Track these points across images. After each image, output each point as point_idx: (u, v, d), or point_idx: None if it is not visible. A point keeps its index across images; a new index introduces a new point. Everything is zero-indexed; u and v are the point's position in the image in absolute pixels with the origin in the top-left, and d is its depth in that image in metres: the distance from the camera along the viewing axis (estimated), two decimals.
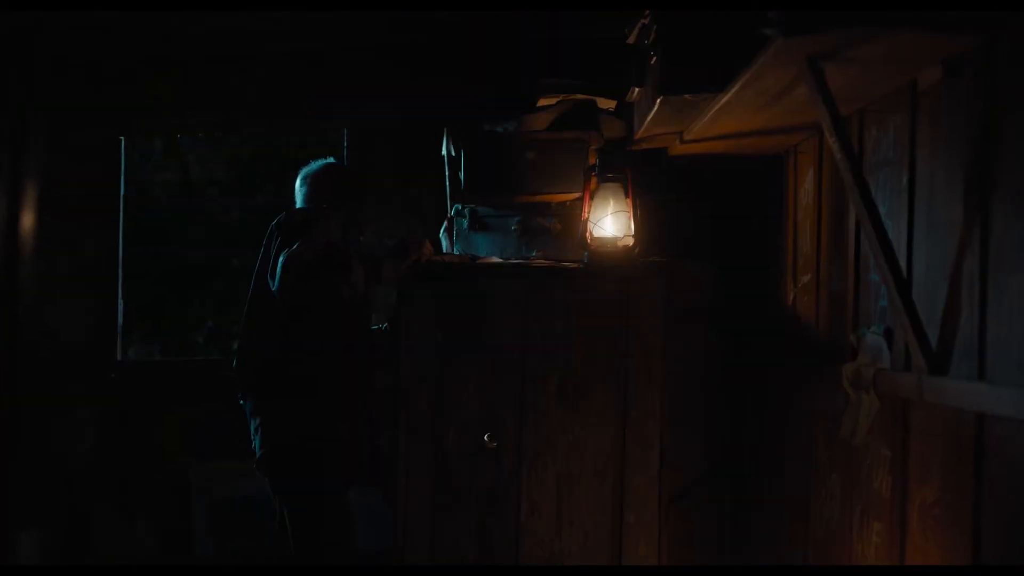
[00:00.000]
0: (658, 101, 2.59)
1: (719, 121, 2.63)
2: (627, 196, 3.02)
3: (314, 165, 3.31)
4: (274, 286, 2.94)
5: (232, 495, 3.94)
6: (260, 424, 3.08)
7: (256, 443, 3.09)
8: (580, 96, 3.33)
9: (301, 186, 3.28)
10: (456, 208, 3.44)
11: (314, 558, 3.03)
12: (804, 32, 1.80)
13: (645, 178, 3.16)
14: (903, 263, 2.04)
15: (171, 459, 4.09)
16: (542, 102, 3.34)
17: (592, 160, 3.16)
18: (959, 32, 1.77)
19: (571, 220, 3.22)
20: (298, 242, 2.93)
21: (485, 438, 2.89)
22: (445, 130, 3.38)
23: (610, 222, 3.01)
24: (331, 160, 3.37)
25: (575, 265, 3.03)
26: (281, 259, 2.92)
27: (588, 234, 3.00)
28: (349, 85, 4.13)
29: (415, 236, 3.17)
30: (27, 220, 4.13)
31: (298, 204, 3.29)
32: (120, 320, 4.21)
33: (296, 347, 3.04)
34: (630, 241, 3.00)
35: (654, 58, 2.62)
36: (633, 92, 2.97)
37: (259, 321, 3.12)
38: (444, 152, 3.40)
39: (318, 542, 3.03)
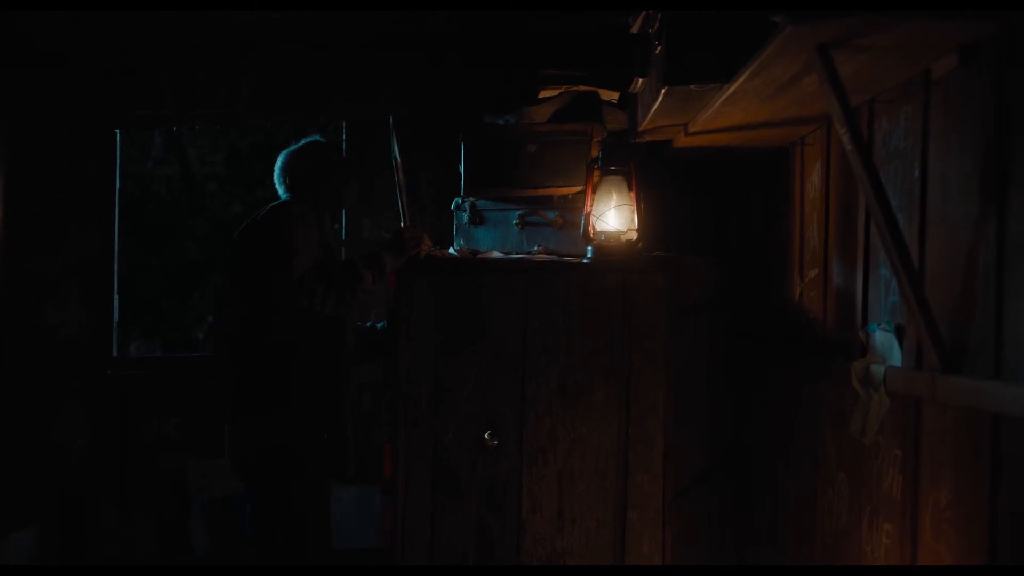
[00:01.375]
0: (662, 92, 2.53)
1: (724, 112, 2.58)
2: (630, 189, 2.97)
3: (292, 146, 3.25)
4: (286, 312, 2.93)
5: (230, 493, 3.90)
6: (230, 434, 3.08)
7: (226, 451, 3.11)
8: (582, 87, 3.27)
9: (277, 169, 3.23)
10: (456, 201, 3.38)
11: (272, 560, 3.05)
12: (814, 19, 1.74)
13: (648, 171, 3.11)
14: (915, 257, 1.98)
15: (169, 456, 4.06)
16: (543, 94, 3.29)
17: (594, 153, 3.11)
18: (975, 18, 1.71)
19: (573, 214, 3.17)
20: (290, 259, 2.90)
21: (485, 435, 2.84)
22: (392, 130, 3.21)
23: (613, 216, 2.96)
24: (312, 139, 3.30)
25: (577, 260, 2.98)
26: (282, 282, 2.90)
27: (591, 228, 2.95)
28: (348, 78, 4.10)
29: (413, 229, 3.11)
30: (21, 215, 4.09)
31: (276, 185, 3.23)
32: (116, 316, 4.17)
33: (277, 347, 3.01)
34: (633, 235, 2.95)
35: (658, 47, 2.56)
36: (636, 83, 2.91)
37: (236, 329, 3.09)
38: (393, 155, 3.20)
39: (277, 545, 3.05)
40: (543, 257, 3.10)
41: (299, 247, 2.96)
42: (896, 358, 2.11)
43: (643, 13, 2.72)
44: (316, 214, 3.15)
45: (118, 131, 4.18)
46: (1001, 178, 1.71)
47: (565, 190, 3.20)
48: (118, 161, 4.17)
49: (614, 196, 2.97)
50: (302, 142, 3.26)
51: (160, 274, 7.51)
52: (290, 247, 2.95)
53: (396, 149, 3.16)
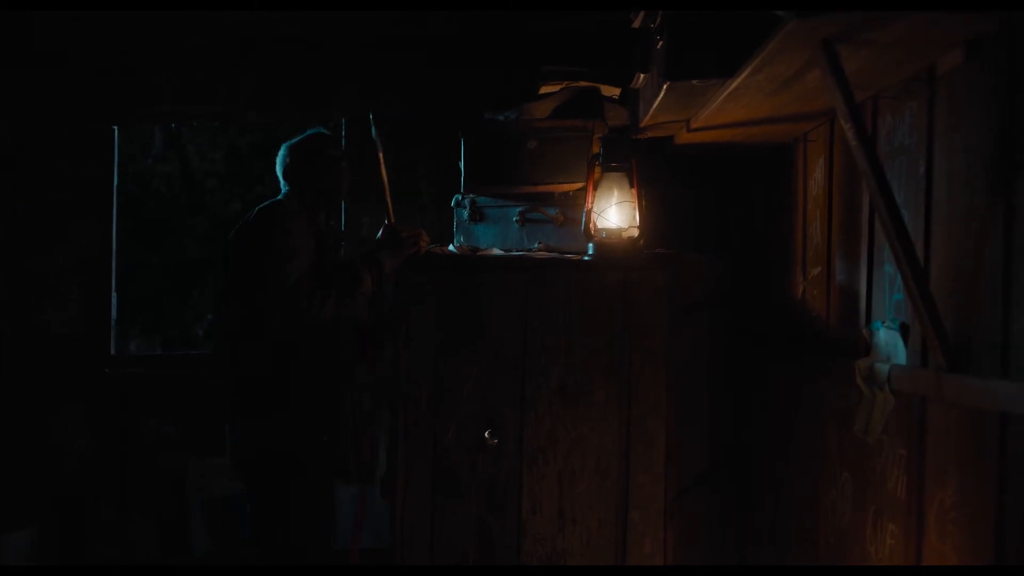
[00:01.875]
0: (664, 87, 2.51)
1: (727, 108, 2.55)
2: (632, 186, 2.94)
3: (293, 139, 3.22)
4: (284, 315, 2.91)
5: (230, 492, 3.88)
6: (230, 434, 3.07)
7: (227, 451, 3.08)
8: (583, 83, 3.25)
9: (277, 162, 3.21)
10: (456, 198, 3.36)
11: (272, 560, 3.02)
12: (819, 13, 1.71)
13: (650, 167, 3.09)
14: (920, 254, 1.96)
15: (168, 456, 4.04)
16: (544, 89, 3.26)
17: (595, 149, 3.08)
18: (982, 11, 1.68)
19: (574, 211, 3.14)
20: (285, 262, 2.87)
21: (485, 435, 2.82)
22: (372, 124, 3.15)
23: (614, 212, 2.94)
24: (313, 132, 3.26)
25: (578, 257, 2.96)
26: (278, 287, 2.87)
27: (592, 225, 2.92)
28: (348, 77, 4.08)
29: (408, 225, 3.08)
30: (21, 215, 4.07)
31: (279, 178, 3.21)
32: (114, 313, 4.15)
33: (277, 347, 2.99)
34: (635, 232, 2.92)
35: (660, 42, 2.53)
36: (638, 78, 2.89)
37: (236, 329, 3.06)
38: (375, 149, 3.13)
39: (277, 545, 3.03)
40: (543, 254, 3.08)
41: (295, 249, 2.94)
42: (901, 356, 2.08)
43: (645, 7, 2.69)
44: (312, 210, 3.12)
45: (116, 128, 4.16)
46: (1008, 174, 1.69)
47: (566, 187, 3.18)
48: (116, 159, 4.16)
49: (615, 193, 2.94)
50: (302, 135, 3.23)
51: (160, 272, 7.49)
52: (285, 250, 2.93)
53: (377, 142, 3.12)
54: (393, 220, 3.12)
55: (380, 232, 3.12)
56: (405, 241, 2.99)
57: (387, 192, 3.14)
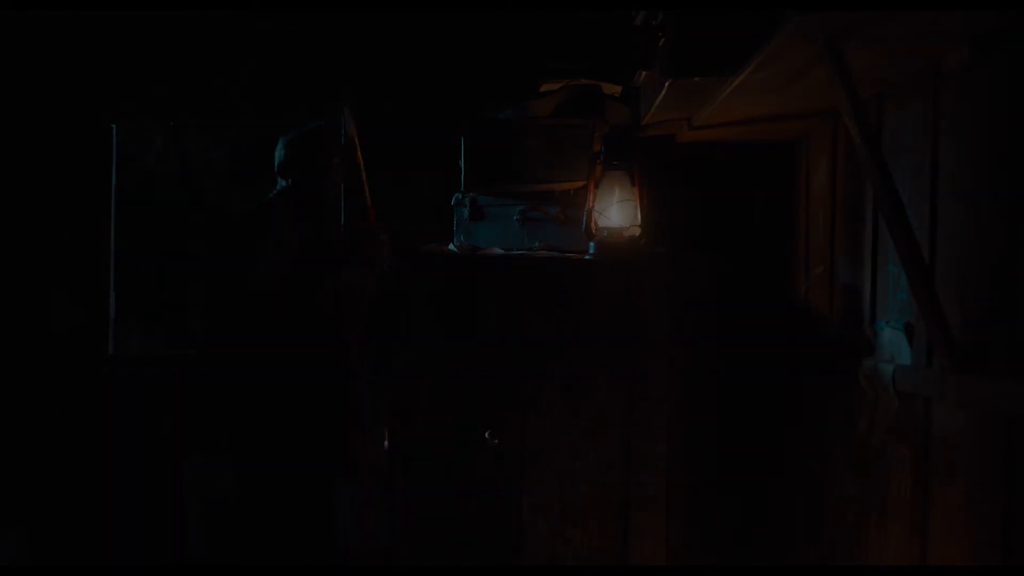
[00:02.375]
0: (666, 85, 2.49)
1: (730, 106, 2.53)
2: (633, 184, 2.92)
3: (290, 134, 3.20)
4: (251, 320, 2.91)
5: (228, 493, 3.86)
6: (228, 434, 3.05)
7: (226, 450, 3.08)
8: (584, 81, 3.22)
9: (275, 156, 3.18)
10: (456, 197, 3.34)
11: (271, 560, 3.00)
12: (823, 9, 1.69)
13: (652, 166, 3.07)
14: (926, 253, 1.94)
15: (166, 456, 4.02)
16: (545, 87, 3.24)
17: (597, 147, 3.06)
18: (986, 9, 1.66)
19: (575, 209, 3.12)
20: (247, 270, 2.88)
21: (486, 435, 2.81)
22: (345, 104, 3.09)
23: (616, 211, 2.92)
24: (313, 125, 3.23)
25: (579, 256, 2.94)
26: (238, 293, 2.88)
27: (593, 224, 2.90)
28: (348, 72, 4.06)
29: (367, 227, 3.05)
30: (15, 210, 4.05)
31: (275, 169, 3.19)
32: (112, 312, 4.13)
33: (272, 348, 2.98)
34: (637, 231, 2.90)
35: (662, 39, 2.52)
36: (640, 76, 2.87)
37: (231, 328, 3.05)
38: (344, 132, 3.07)
39: (276, 546, 3.02)
40: (544, 253, 3.06)
41: (263, 258, 2.94)
42: (905, 356, 2.07)
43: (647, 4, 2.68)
44: (306, 205, 3.10)
45: (115, 126, 4.15)
46: (1015, 171, 1.67)
47: (567, 185, 3.16)
48: (114, 157, 4.14)
49: (617, 191, 2.93)
50: (299, 130, 3.21)
51: (160, 270, 7.47)
52: (251, 257, 2.93)
53: (346, 125, 3.09)
54: (373, 214, 3.09)
55: (341, 229, 3.12)
56: (364, 247, 2.99)
57: (366, 187, 3.11)
